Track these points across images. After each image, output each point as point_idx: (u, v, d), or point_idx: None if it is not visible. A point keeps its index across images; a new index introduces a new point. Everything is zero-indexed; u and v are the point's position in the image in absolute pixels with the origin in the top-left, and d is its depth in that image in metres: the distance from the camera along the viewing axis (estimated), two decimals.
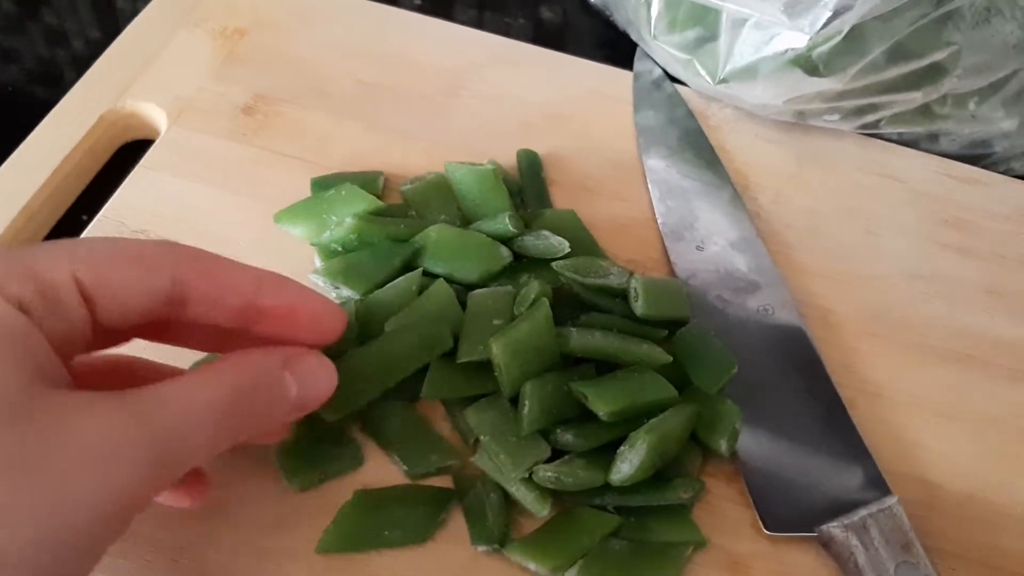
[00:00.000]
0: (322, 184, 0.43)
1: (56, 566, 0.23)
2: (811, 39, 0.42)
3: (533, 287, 0.37)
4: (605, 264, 0.40)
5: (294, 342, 0.30)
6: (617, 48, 0.52)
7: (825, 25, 0.42)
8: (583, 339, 0.37)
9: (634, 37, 0.51)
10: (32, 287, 0.25)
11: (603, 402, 0.35)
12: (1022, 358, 0.41)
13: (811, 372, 0.39)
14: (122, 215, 0.42)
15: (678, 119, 0.48)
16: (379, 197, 0.42)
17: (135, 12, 0.51)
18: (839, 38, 0.42)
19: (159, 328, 0.30)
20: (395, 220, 0.41)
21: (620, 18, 0.52)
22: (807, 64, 0.43)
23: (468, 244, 0.39)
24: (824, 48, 0.42)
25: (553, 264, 0.39)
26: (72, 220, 0.44)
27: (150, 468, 0.24)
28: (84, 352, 0.28)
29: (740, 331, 0.40)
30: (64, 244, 0.27)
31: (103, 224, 0.42)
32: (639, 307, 0.38)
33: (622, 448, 0.34)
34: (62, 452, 0.23)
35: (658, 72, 0.50)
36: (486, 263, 0.39)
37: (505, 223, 0.40)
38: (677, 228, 0.44)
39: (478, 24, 0.53)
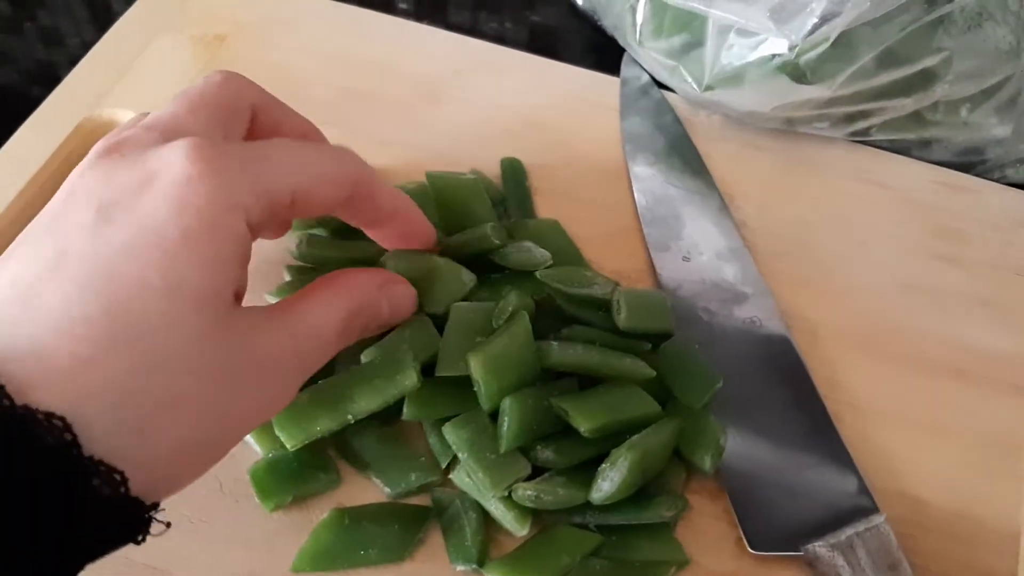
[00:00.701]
0: None
1: (211, 461, 0.28)
2: (798, 46, 0.41)
3: (511, 300, 0.36)
4: (590, 274, 0.39)
5: None
6: (606, 53, 0.52)
7: (812, 31, 0.41)
8: (564, 353, 0.36)
9: (621, 42, 0.51)
10: (262, 204, 0.28)
11: (584, 418, 0.34)
12: (1015, 371, 0.41)
13: (798, 386, 0.39)
14: None
15: (665, 126, 0.47)
16: None
17: None
18: (827, 44, 0.41)
19: None
20: (354, 244, 0.39)
21: (608, 23, 0.51)
22: (794, 71, 0.42)
23: (427, 272, 0.37)
24: (812, 55, 0.42)
25: (537, 273, 0.38)
26: None
27: (296, 376, 0.30)
28: None
29: (726, 344, 0.40)
30: (285, 158, 0.30)
31: None
32: (622, 320, 0.37)
33: (603, 466, 0.34)
34: (247, 364, 0.27)
35: (645, 78, 0.49)
36: (448, 294, 0.37)
37: (487, 234, 0.39)
38: (663, 238, 0.43)
39: (465, 29, 0.52)
